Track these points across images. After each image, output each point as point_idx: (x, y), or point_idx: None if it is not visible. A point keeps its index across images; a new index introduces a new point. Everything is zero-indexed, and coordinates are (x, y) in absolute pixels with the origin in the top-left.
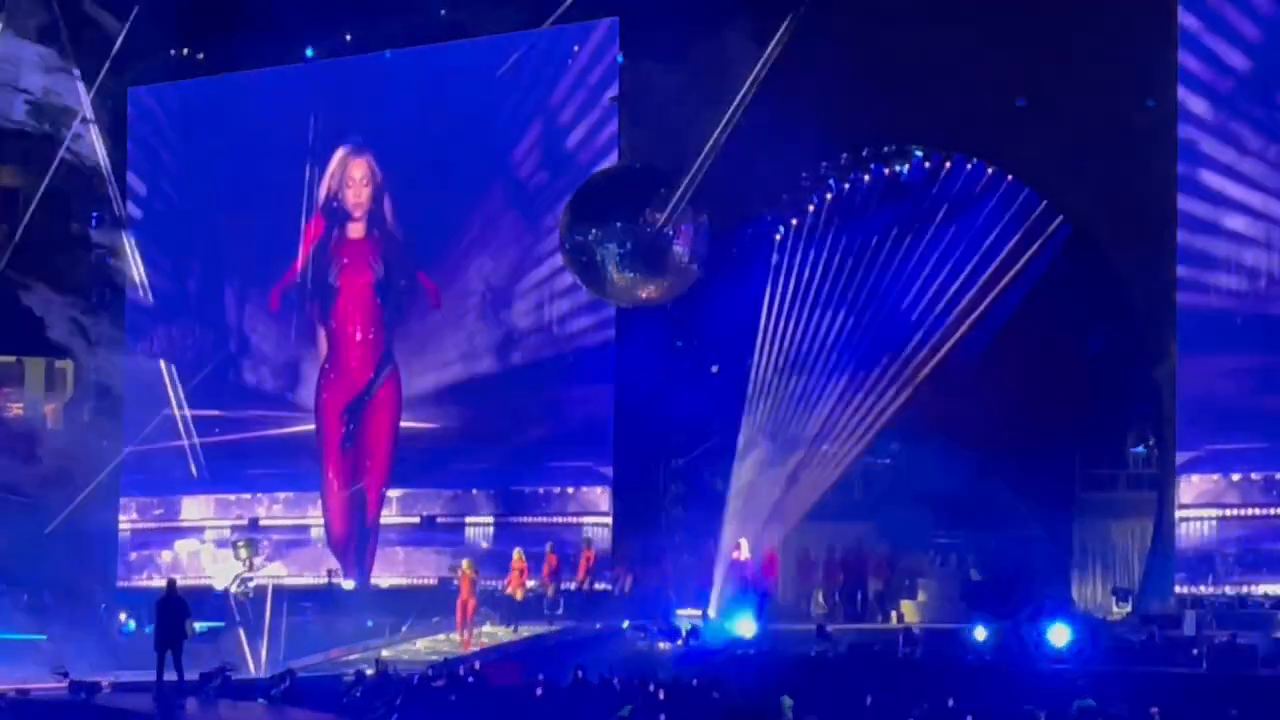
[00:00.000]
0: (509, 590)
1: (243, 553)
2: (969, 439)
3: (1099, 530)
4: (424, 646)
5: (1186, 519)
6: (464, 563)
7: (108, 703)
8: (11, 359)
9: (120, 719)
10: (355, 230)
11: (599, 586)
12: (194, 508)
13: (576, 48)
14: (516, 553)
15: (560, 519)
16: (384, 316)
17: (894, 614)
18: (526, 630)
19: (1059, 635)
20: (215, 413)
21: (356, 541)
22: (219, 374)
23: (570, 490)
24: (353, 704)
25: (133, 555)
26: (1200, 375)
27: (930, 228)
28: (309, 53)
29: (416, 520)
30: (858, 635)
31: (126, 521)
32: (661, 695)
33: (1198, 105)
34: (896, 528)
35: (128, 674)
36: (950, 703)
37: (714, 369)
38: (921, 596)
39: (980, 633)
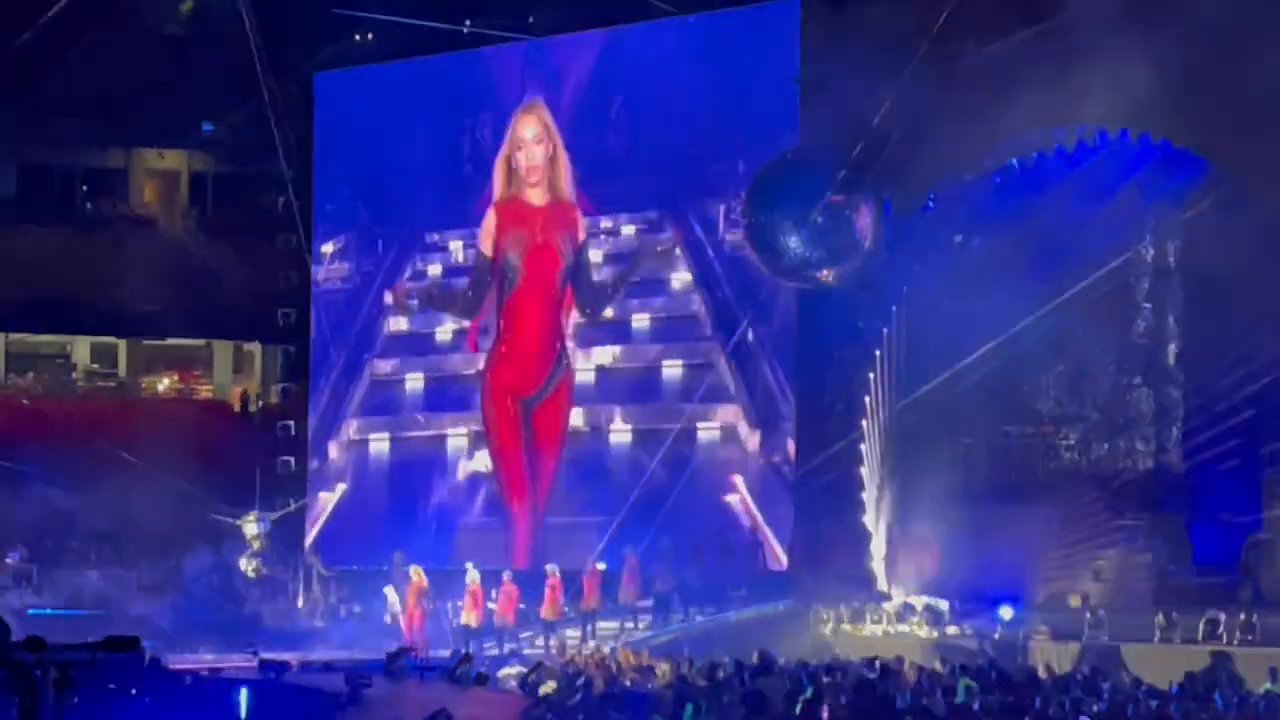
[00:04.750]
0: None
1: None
2: (1151, 418)
3: None
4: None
5: None
6: (412, 570)
7: (296, 680)
8: (201, 343)
9: (310, 697)
10: (535, 196)
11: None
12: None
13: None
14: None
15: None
16: (563, 311)
17: (1074, 598)
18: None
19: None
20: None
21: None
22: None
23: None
24: (535, 686)
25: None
26: None
27: (1108, 204)
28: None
29: None
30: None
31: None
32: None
33: None
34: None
35: (315, 653)
36: None
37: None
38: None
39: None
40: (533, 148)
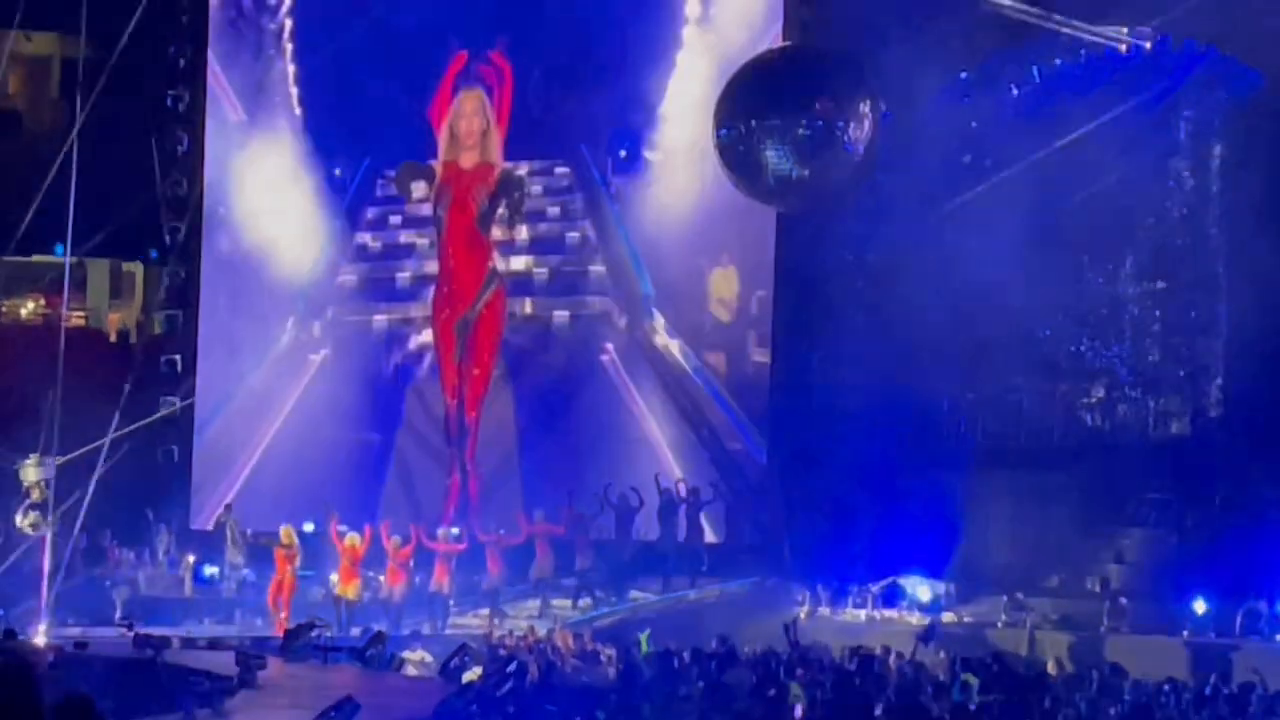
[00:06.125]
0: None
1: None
2: (1187, 373)
3: None
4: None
5: None
6: (282, 531)
7: (177, 660)
8: (73, 259)
9: (193, 679)
10: (468, 159)
11: None
12: None
13: None
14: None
15: None
16: (488, 243)
17: (1096, 580)
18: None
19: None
20: None
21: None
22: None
23: None
24: (458, 671)
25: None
26: None
27: (1140, 120)
28: None
29: None
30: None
31: None
32: None
33: None
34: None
35: (202, 627)
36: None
37: None
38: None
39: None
40: (472, 119)
